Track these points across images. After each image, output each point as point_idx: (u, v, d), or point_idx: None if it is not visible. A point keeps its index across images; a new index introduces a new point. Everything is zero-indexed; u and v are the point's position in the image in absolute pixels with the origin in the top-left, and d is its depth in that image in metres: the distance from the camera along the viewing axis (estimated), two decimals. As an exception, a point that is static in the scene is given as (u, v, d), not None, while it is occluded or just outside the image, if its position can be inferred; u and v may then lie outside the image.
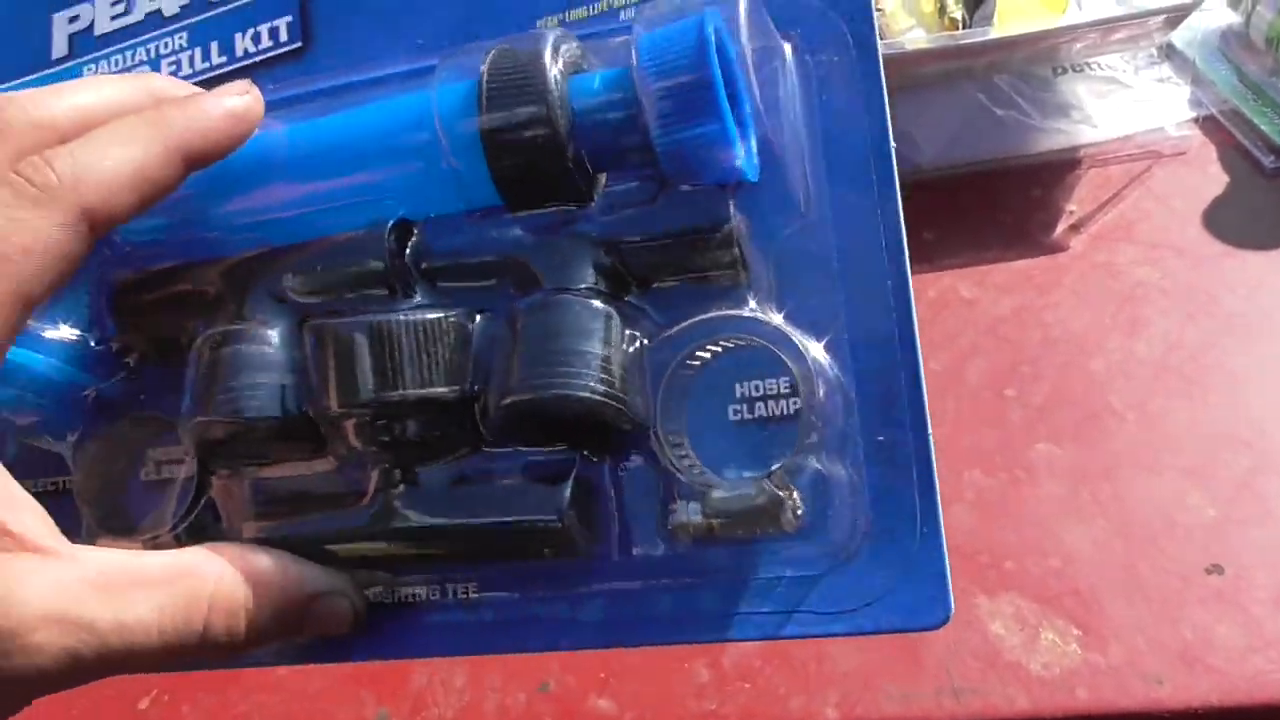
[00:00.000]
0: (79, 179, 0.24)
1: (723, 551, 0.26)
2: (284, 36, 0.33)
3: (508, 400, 0.25)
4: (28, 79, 0.36)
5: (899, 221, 0.26)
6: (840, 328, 0.26)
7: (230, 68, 0.34)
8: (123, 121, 0.25)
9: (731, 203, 0.26)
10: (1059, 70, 0.52)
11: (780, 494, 0.24)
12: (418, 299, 0.27)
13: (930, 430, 0.25)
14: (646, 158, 0.26)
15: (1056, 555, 0.36)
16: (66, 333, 0.30)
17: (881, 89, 0.27)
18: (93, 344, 0.30)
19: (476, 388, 0.26)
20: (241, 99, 0.27)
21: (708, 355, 0.26)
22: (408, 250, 0.27)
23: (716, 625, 0.26)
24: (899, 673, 0.33)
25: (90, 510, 0.29)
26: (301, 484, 0.28)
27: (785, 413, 0.25)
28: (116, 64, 0.35)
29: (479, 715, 0.35)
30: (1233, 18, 0.57)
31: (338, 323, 0.26)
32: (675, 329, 0.26)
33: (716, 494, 0.25)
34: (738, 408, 0.26)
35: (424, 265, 0.27)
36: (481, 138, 0.26)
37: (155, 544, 0.28)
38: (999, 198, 0.51)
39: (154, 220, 0.29)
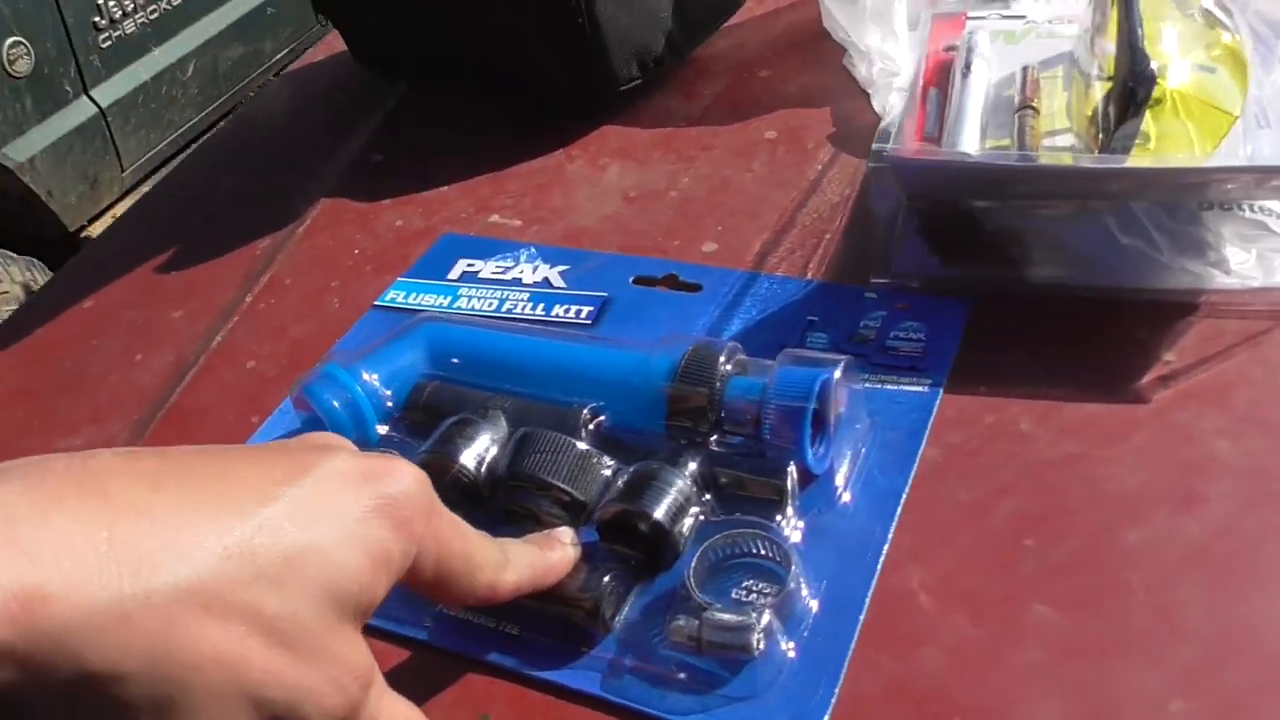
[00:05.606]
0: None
1: (691, 659, 0.38)
2: (584, 316, 0.54)
3: (618, 507, 0.40)
4: (426, 280, 0.58)
5: (885, 540, 0.41)
6: (827, 575, 0.40)
7: (543, 318, 0.54)
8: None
9: (791, 468, 0.41)
10: (1205, 205, 0.47)
11: (753, 623, 0.37)
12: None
13: (851, 648, 0.37)
14: (756, 431, 0.42)
15: (1015, 728, 0.35)
16: (383, 390, 0.48)
17: (911, 466, 0.43)
18: (389, 404, 0.48)
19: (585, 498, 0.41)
20: (575, 550, 0.39)
21: (737, 548, 0.40)
22: (592, 426, 0.44)
23: (654, 701, 0.37)
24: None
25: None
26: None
27: (769, 601, 0.38)
28: (481, 292, 0.56)
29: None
30: None
31: (534, 429, 0.43)
32: (727, 519, 0.40)
33: (708, 614, 0.37)
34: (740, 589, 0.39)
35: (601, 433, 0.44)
36: (670, 392, 0.43)
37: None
38: (1099, 331, 0.48)
39: (450, 371, 0.48)
